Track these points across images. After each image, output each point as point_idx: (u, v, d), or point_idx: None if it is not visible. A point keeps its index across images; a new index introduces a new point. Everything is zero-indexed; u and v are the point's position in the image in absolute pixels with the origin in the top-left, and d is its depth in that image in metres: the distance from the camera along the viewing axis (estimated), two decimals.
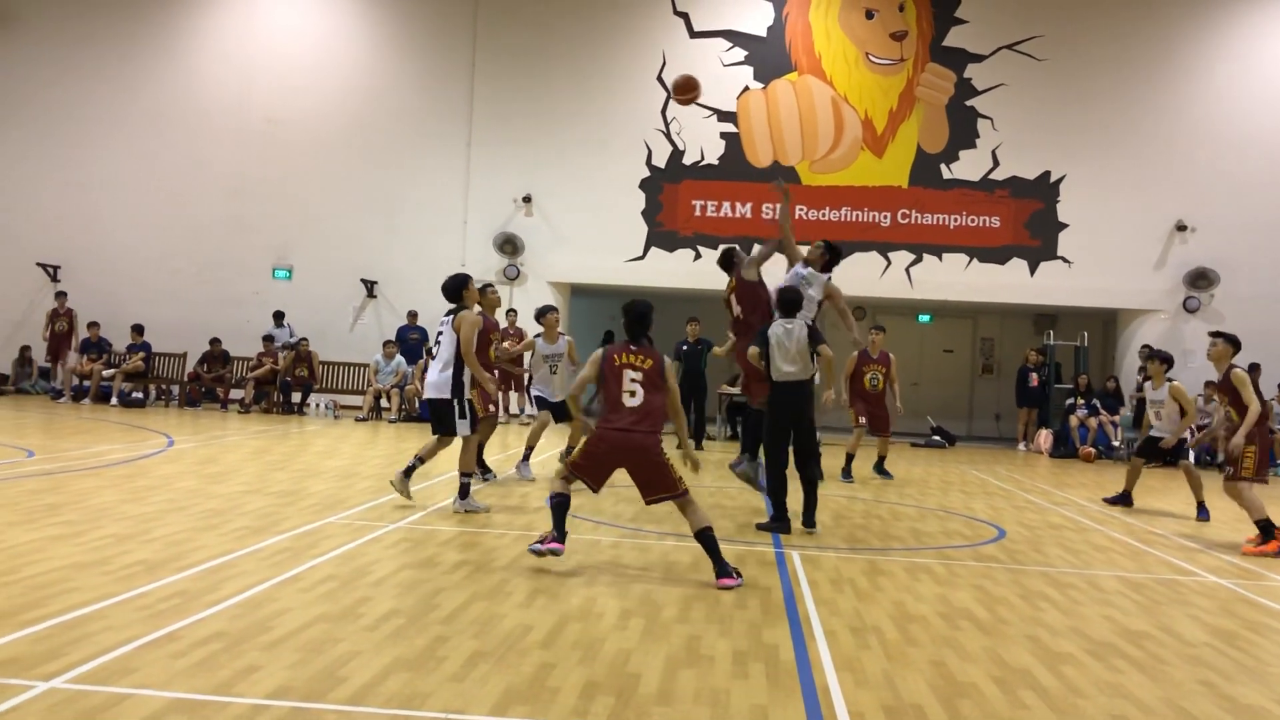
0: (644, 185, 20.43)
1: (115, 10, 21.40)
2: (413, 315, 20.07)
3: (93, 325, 20.12)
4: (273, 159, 20.96)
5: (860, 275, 20.00)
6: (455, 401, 8.84)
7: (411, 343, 19.57)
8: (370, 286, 20.72)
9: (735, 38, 20.37)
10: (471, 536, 7.72)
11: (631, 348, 6.77)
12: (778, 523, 8.60)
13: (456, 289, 9.03)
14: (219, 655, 4.49)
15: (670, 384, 6.74)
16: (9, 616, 4.87)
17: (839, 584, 6.73)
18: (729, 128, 20.36)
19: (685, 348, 17.15)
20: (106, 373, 19.59)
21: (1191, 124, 19.63)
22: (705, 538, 6.55)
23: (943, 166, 20.08)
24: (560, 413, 11.37)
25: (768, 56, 20.33)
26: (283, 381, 19.44)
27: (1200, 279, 19.44)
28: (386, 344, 19.41)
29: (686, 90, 9.83)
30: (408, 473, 8.91)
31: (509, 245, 20.39)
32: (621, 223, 20.36)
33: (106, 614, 5.03)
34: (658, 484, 6.61)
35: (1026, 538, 9.14)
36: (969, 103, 20.05)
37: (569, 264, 20.49)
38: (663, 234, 20.40)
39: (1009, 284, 19.91)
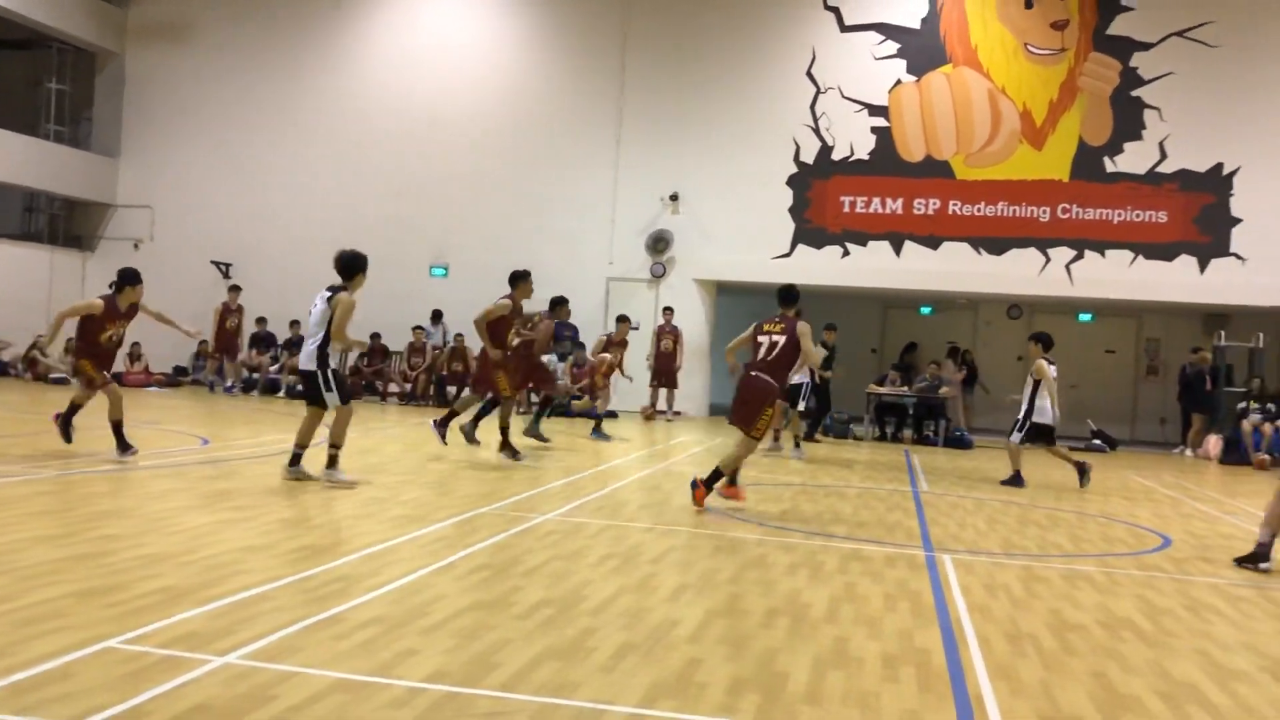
0: (791, 181, 20.27)
1: (283, 18, 22.43)
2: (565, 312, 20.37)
3: (260, 320, 21.13)
4: (432, 159, 21.62)
5: (1018, 273, 19.44)
6: (320, 374, 8.98)
7: (565, 338, 19.88)
8: None
9: (888, 30, 20.01)
10: (620, 531, 7.80)
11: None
12: None
13: (351, 269, 9.10)
14: (379, 639, 4.66)
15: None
16: (189, 594, 5.17)
17: (993, 590, 6.55)
18: (880, 122, 20.01)
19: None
20: (274, 366, 20.55)
21: None
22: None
23: (1106, 159, 19.29)
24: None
25: (922, 49, 19.90)
26: (439, 377, 20.04)
27: None
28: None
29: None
30: (294, 460, 9.04)
31: (661, 243, 20.52)
32: (769, 220, 20.26)
33: (275, 595, 5.28)
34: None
35: (1194, 546, 8.72)
36: (1135, 93, 19.21)
37: (716, 261, 20.51)
38: (810, 230, 20.20)
39: (1177, 282, 19.00)
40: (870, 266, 20.00)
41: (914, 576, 6.81)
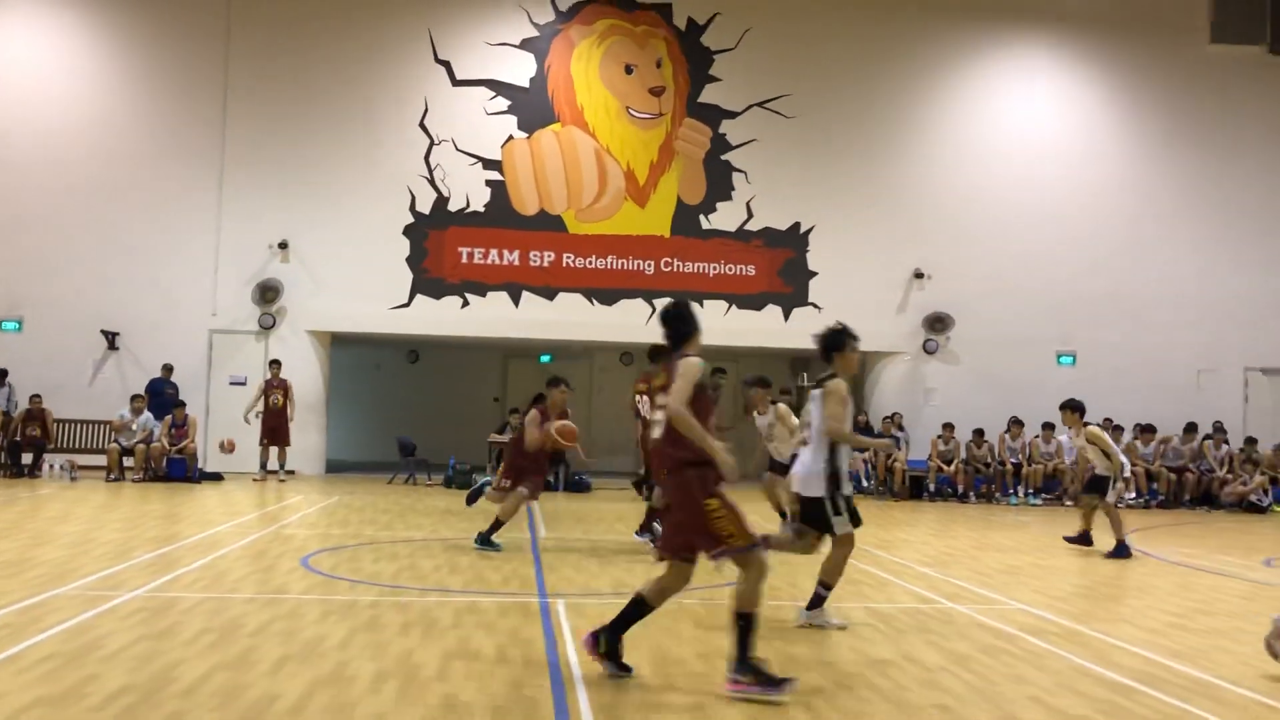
0: (408, 232, 20.12)
1: None
2: (168, 369, 18.99)
3: None
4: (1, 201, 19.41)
5: (628, 322, 20.38)
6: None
7: (167, 398, 18.49)
8: (111, 338, 19.39)
9: (498, 87, 20.47)
10: (219, 603, 7.29)
11: (664, 367, 6.00)
12: None
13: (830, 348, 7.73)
14: None
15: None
16: None
17: None
18: (495, 175, 20.38)
19: None
20: None
21: (927, 179, 21.09)
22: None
23: (701, 217, 20.77)
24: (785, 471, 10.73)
25: (531, 106, 20.53)
26: (10, 443, 17.92)
27: (937, 322, 20.83)
28: (134, 398, 18.21)
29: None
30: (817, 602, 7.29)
31: (270, 293, 19.61)
32: (386, 270, 19.96)
33: None
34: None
35: (784, 574, 9.43)
36: (724, 156, 20.86)
37: (329, 312, 19.89)
38: (429, 281, 20.13)
39: (765, 328, 20.73)
40: (490, 316, 20.22)
41: (527, 625, 6.88)
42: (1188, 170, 21.44)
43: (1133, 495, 18.23)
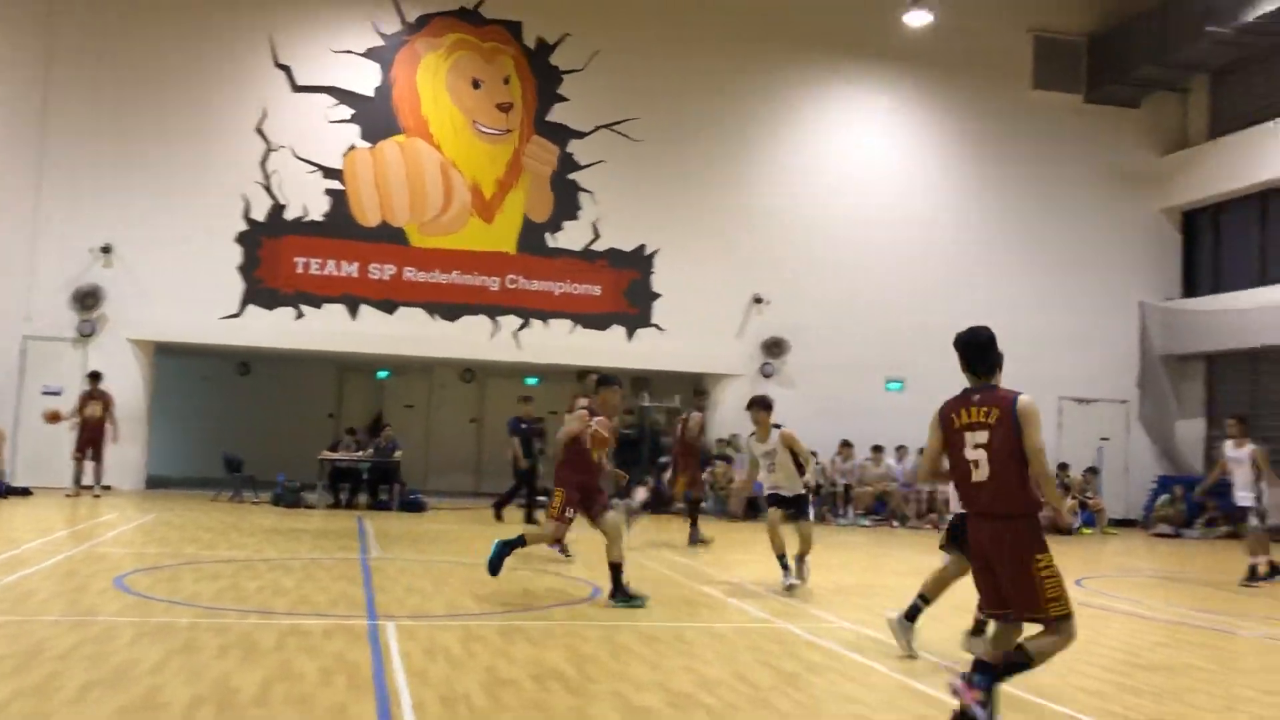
0: (241, 239, 19.43)
1: None
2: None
3: None
4: None
5: (470, 338, 20.18)
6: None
7: None
8: None
9: (340, 94, 20.00)
10: (20, 626, 6.82)
11: (974, 397, 5.45)
12: None
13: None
14: None
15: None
16: None
17: (432, 653, 6.59)
18: (335, 184, 19.88)
19: (525, 426, 16.63)
20: None
21: (770, 207, 21.57)
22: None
23: (548, 235, 20.74)
24: (793, 506, 10.05)
25: (375, 116, 20.13)
26: None
27: (774, 347, 21.31)
28: None
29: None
30: (911, 615, 7.24)
31: (90, 298, 18.60)
32: (215, 278, 19.20)
33: None
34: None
35: None
36: (571, 176, 20.90)
37: (154, 320, 18.98)
38: (262, 290, 19.46)
39: (610, 348, 20.80)
40: (325, 329, 19.68)
41: (353, 647, 6.67)
42: (1009, 208, 22.58)
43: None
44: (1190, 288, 23.09)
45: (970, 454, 5.23)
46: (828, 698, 5.99)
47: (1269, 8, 18.92)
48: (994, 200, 22.56)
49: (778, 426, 10.12)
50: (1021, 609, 5.17)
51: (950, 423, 5.36)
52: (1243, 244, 22.08)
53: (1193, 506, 20.09)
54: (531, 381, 23.42)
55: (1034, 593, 5.08)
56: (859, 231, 21.81)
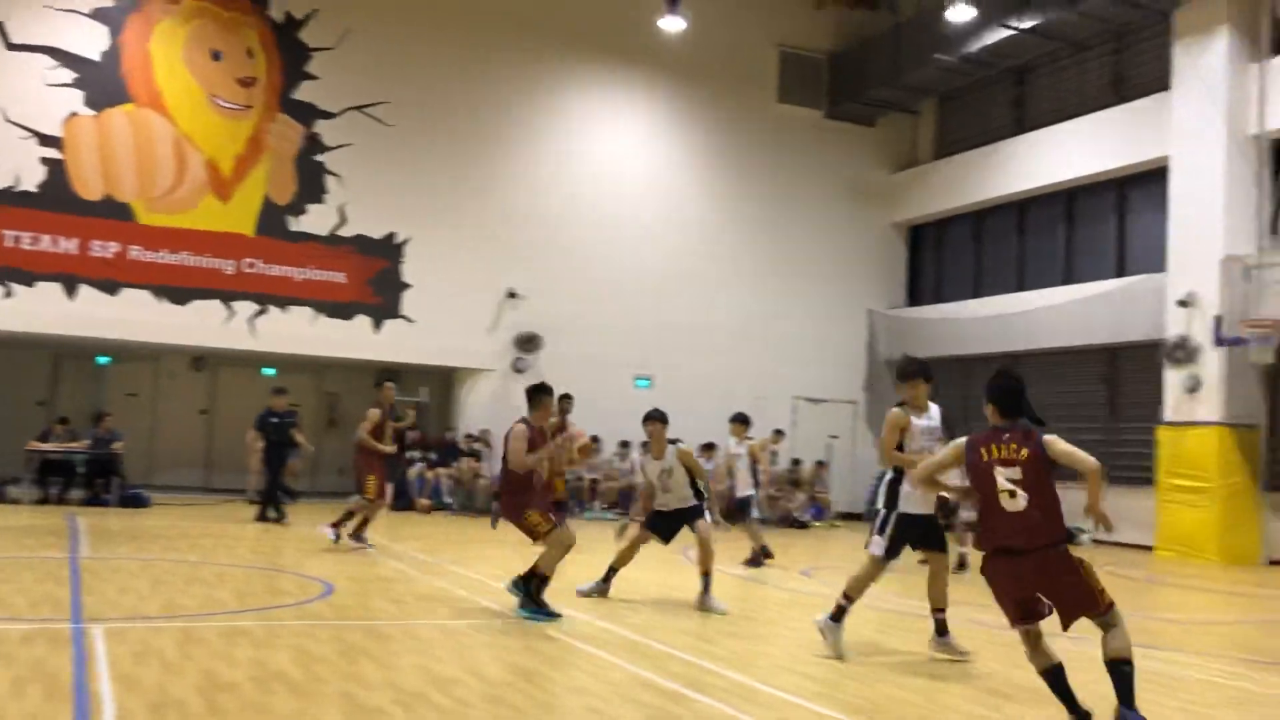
0: None
1: None
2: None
3: None
4: None
5: (202, 324, 19.05)
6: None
7: None
8: None
9: (62, 56, 18.40)
10: None
11: (1004, 435, 5.63)
12: None
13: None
14: None
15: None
16: None
17: (144, 657, 6.13)
18: (52, 153, 18.27)
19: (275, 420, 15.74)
20: None
21: (525, 201, 21.44)
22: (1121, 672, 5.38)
23: (290, 218, 19.83)
24: (670, 532, 9.46)
25: (102, 82, 18.63)
26: None
27: (528, 342, 21.22)
28: None
29: None
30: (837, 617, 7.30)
31: None
32: None
33: None
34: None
35: (354, 592, 9.15)
36: (318, 158, 20.07)
37: None
38: None
39: (354, 339, 20.14)
40: (38, 310, 18.05)
41: (54, 654, 6.11)
42: (752, 217, 23.44)
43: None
44: (914, 297, 24.76)
45: (1004, 485, 5.53)
46: (563, 691, 5.98)
47: (990, 40, 20.51)
48: (739, 207, 23.35)
49: (674, 442, 9.46)
50: (1076, 612, 5.50)
51: (979, 456, 5.64)
52: (961, 258, 23.88)
53: None
54: (269, 372, 22.36)
55: (1089, 593, 5.44)
56: (611, 230, 22.07)
